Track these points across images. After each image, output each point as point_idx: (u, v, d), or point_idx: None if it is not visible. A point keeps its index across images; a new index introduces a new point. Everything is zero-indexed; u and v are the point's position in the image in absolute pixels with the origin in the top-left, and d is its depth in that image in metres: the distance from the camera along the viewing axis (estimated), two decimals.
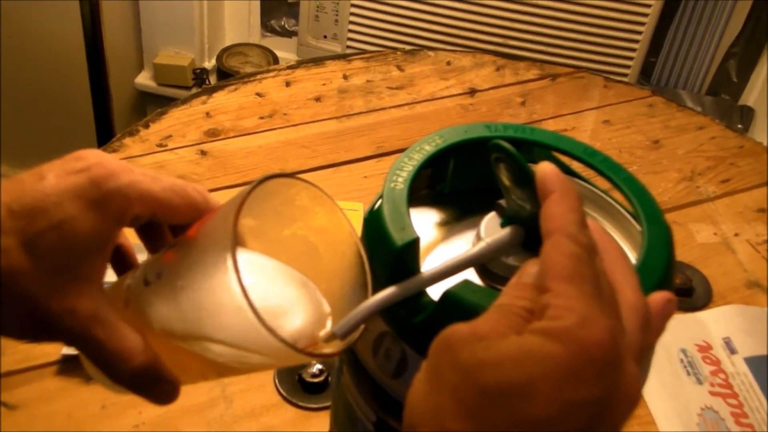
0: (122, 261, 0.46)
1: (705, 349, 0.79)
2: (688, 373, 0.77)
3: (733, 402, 0.74)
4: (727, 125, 1.14)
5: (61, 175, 0.39)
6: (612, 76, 1.24)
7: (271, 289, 0.40)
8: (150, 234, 0.45)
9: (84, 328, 0.39)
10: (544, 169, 0.37)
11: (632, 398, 0.32)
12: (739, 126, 1.67)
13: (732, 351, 0.79)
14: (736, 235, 0.95)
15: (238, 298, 0.34)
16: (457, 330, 0.33)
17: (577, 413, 0.30)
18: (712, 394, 0.75)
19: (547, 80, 1.20)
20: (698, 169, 1.05)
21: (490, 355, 0.31)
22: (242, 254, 0.41)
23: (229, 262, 0.34)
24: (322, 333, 0.40)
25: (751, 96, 1.75)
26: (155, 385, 0.41)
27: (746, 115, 1.70)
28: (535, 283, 0.34)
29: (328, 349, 0.39)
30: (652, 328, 0.36)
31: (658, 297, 0.37)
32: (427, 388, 0.32)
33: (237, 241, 0.37)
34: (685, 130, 1.12)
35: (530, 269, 0.35)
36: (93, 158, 0.40)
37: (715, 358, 0.78)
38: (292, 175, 0.39)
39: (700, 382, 0.76)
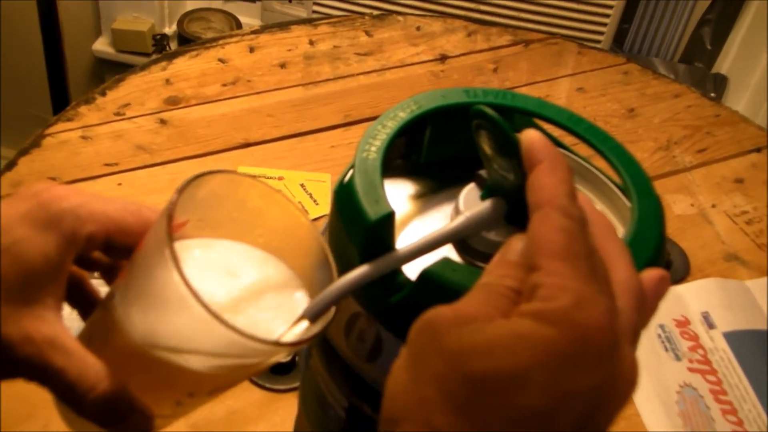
0: (84, 299, 0.44)
1: (683, 324, 0.77)
2: (666, 349, 0.75)
3: (711, 379, 0.73)
4: (701, 93, 1.13)
5: (8, 205, 0.38)
6: (585, 43, 1.21)
7: (224, 275, 0.38)
8: (114, 277, 0.44)
9: (41, 355, 0.37)
10: (531, 137, 0.34)
11: (630, 384, 0.30)
12: (712, 94, 1.65)
13: (710, 326, 0.77)
14: (714, 206, 0.93)
15: (181, 289, 0.32)
16: (440, 313, 0.30)
17: (575, 403, 0.28)
18: (691, 370, 0.73)
19: (519, 46, 1.17)
20: (674, 138, 1.03)
21: (478, 340, 0.28)
22: (187, 242, 0.39)
23: (167, 252, 0.32)
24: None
25: (724, 64, 1.74)
26: (126, 415, 0.38)
27: (719, 83, 1.69)
28: (522, 260, 0.32)
29: (296, 336, 0.36)
30: (646, 307, 0.34)
31: (652, 274, 0.35)
32: (409, 378, 0.29)
33: (180, 235, 0.37)
34: (661, 98, 1.10)
35: (515, 245, 0.33)
36: (42, 186, 0.39)
37: (693, 334, 0.77)
38: (231, 171, 0.39)
39: (678, 358, 0.74)
